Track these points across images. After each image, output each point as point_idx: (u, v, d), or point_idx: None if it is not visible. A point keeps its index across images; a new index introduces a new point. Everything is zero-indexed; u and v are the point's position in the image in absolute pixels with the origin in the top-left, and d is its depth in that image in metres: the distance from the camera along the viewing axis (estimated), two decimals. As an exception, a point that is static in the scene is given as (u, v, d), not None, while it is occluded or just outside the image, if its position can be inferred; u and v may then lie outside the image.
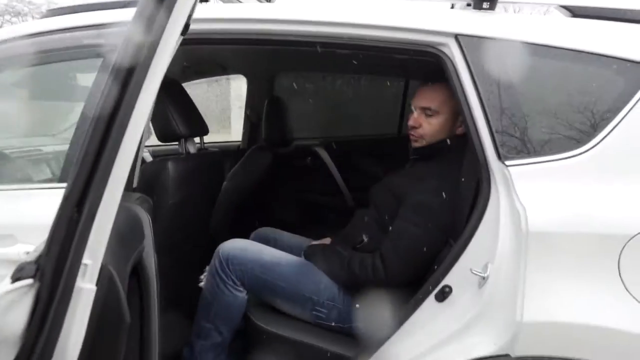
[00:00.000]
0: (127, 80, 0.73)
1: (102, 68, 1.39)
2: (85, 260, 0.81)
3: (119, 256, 0.99)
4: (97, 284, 0.85)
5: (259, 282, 1.70)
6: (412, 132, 1.74)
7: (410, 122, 1.73)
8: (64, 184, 1.37)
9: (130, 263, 1.08)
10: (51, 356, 0.80)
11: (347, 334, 1.69)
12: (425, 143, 1.72)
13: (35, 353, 0.78)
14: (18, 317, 0.78)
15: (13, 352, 0.79)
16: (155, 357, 1.25)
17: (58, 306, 0.77)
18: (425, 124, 1.69)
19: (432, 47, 1.41)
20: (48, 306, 0.77)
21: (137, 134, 0.78)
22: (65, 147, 1.51)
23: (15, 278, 0.78)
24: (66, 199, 0.78)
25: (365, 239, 1.74)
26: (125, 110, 0.73)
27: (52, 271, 0.76)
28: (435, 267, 1.48)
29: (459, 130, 1.68)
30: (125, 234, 1.07)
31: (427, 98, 1.70)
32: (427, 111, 1.69)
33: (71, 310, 0.79)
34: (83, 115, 1.41)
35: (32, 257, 0.79)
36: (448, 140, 1.69)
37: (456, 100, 1.63)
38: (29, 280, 0.78)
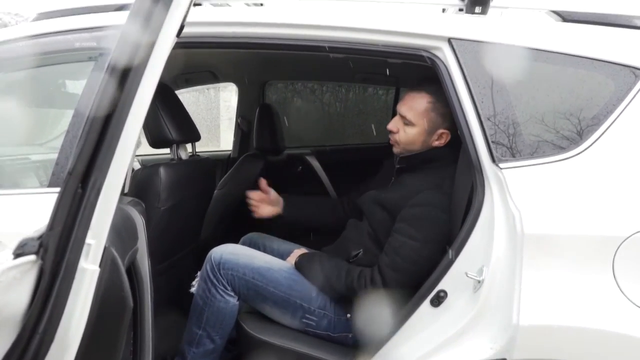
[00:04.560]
0: (132, 59, 0.72)
1: (96, 69, 1.38)
2: (89, 239, 0.78)
3: (118, 249, 0.97)
4: (100, 266, 0.82)
5: (250, 287, 1.67)
6: (390, 136, 1.73)
7: (389, 126, 1.71)
8: (55, 189, 1.38)
9: (125, 263, 1.06)
10: (53, 338, 0.77)
11: (337, 342, 1.67)
12: (399, 150, 1.71)
13: (37, 334, 0.75)
14: (19, 296, 0.75)
15: (14, 333, 0.76)
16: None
17: (61, 285, 0.74)
18: (402, 131, 1.68)
19: (426, 50, 1.42)
20: (51, 285, 0.74)
21: (145, 103, 0.76)
22: (53, 155, 1.49)
23: (17, 254, 0.74)
24: (70, 173, 0.75)
25: (360, 253, 1.72)
26: (133, 81, 0.71)
27: (55, 248, 0.74)
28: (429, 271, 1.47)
29: (435, 144, 1.67)
30: (120, 233, 1.05)
31: (407, 106, 1.67)
32: (404, 119, 1.67)
33: (74, 291, 0.77)
34: (74, 119, 1.40)
35: (35, 233, 0.76)
36: (430, 151, 1.67)
37: (435, 115, 1.62)
38: (32, 257, 0.75)
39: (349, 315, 1.66)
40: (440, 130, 1.65)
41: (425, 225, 1.54)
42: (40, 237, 0.75)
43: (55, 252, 0.75)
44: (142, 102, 0.73)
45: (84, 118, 1.37)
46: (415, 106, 1.65)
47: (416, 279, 1.52)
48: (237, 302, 1.70)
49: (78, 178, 0.74)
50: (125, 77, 0.71)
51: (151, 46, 0.72)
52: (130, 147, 0.77)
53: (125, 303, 0.97)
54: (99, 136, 0.73)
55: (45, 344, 0.76)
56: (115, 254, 0.88)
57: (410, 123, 1.65)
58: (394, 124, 1.70)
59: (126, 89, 0.71)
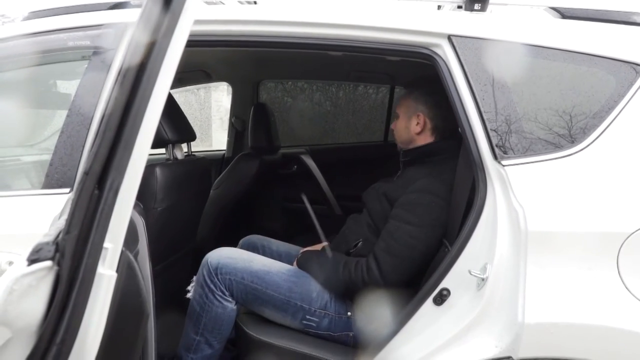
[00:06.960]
0: (150, 51, 0.68)
1: (90, 68, 1.35)
2: (106, 243, 0.74)
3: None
4: (117, 271, 0.78)
5: (249, 291, 1.65)
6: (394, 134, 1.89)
7: (391, 126, 1.89)
8: (48, 190, 1.36)
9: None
10: (70, 350, 0.72)
11: (338, 342, 1.66)
12: (399, 145, 1.84)
13: (55, 345, 0.70)
14: (35, 305, 0.70)
15: (29, 345, 0.71)
16: None
17: (79, 292, 0.69)
18: (395, 127, 1.84)
19: (425, 48, 1.41)
20: (69, 292, 0.69)
21: (161, 98, 0.72)
22: (45, 157, 1.45)
23: (32, 260, 0.69)
24: (86, 173, 0.71)
25: (360, 243, 1.72)
26: (151, 72, 0.67)
27: (72, 253, 0.69)
28: (432, 269, 1.46)
29: (417, 129, 1.74)
30: None
31: (398, 105, 1.87)
32: (396, 116, 1.85)
33: (92, 299, 0.72)
34: (68, 119, 1.37)
35: (49, 237, 0.71)
36: (431, 144, 1.74)
37: (411, 101, 1.77)
38: (48, 263, 0.70)
39: (349, 313, 1.65)
40: (416, 114, 1.74)
41: (420, 210, 1.56)
42: (55, 242, 0.70)
43: (72, 257, 0.70)
44: (159, 97, 0.69)
45: (79, 118, 1.36)
46: (400, 102, 1.85)
47: (413, 268, 1.54)
48: (235, 307, 1.68)
49: (95, 178, 0.70)
50: (142, 73, 0.67)
51: (167, 40, 0.69)
52: (148, 145, 0.72)
53: (143, 309, 0.93)
54: (115, 134, 0.69)
55: (63, 356, 0.72)
56: (132, 257, 0.84)
57: (397, 116, 1.82)
58: (392, 123, 1.87)
59: (143, 84, 0.67)
